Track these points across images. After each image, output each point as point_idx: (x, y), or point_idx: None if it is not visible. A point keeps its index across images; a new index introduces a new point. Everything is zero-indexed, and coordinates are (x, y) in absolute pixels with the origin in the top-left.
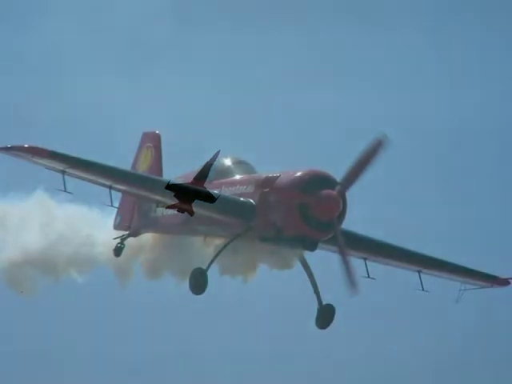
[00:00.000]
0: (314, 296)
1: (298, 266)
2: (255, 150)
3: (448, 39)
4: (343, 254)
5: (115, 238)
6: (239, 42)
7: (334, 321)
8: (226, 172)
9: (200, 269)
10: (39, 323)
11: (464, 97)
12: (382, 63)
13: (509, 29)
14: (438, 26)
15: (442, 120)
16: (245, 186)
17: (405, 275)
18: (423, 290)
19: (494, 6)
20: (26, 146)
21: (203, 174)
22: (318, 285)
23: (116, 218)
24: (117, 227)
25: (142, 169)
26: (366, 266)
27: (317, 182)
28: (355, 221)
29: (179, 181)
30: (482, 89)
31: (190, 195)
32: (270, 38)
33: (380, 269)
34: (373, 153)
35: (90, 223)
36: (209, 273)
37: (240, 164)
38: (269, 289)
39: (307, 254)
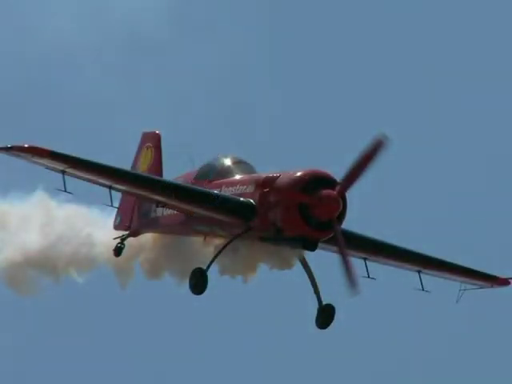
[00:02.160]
0: (314, 296)
1: (298, 265)
2: (255, 150)
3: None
4: (343, 254)
5: (115, 238)
6: (240, 43)
7: (334, 321)
8: (225, 172)
9: (200, 269)
10: (39, 323)
11: (464, 96)
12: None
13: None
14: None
15: (441, 119)
16: (245, 186)
17: (405, 275)
18: (423, 290)
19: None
20: (26, 145)
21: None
22: (318, 285)
23: (116, 218)
24: (117, 227)
25: (142, 169)
26: (366, 265)
27: (317, 181)
28: (355, 221)
29: (179, 181)
30: (483, 84)
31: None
32: (272, 40)
33: (380, 269)
34: (373, 153)
35: (89, 223)
36: (209, 273)
37: (240, 164)
38: (269, 289)
39: (307, 254)
